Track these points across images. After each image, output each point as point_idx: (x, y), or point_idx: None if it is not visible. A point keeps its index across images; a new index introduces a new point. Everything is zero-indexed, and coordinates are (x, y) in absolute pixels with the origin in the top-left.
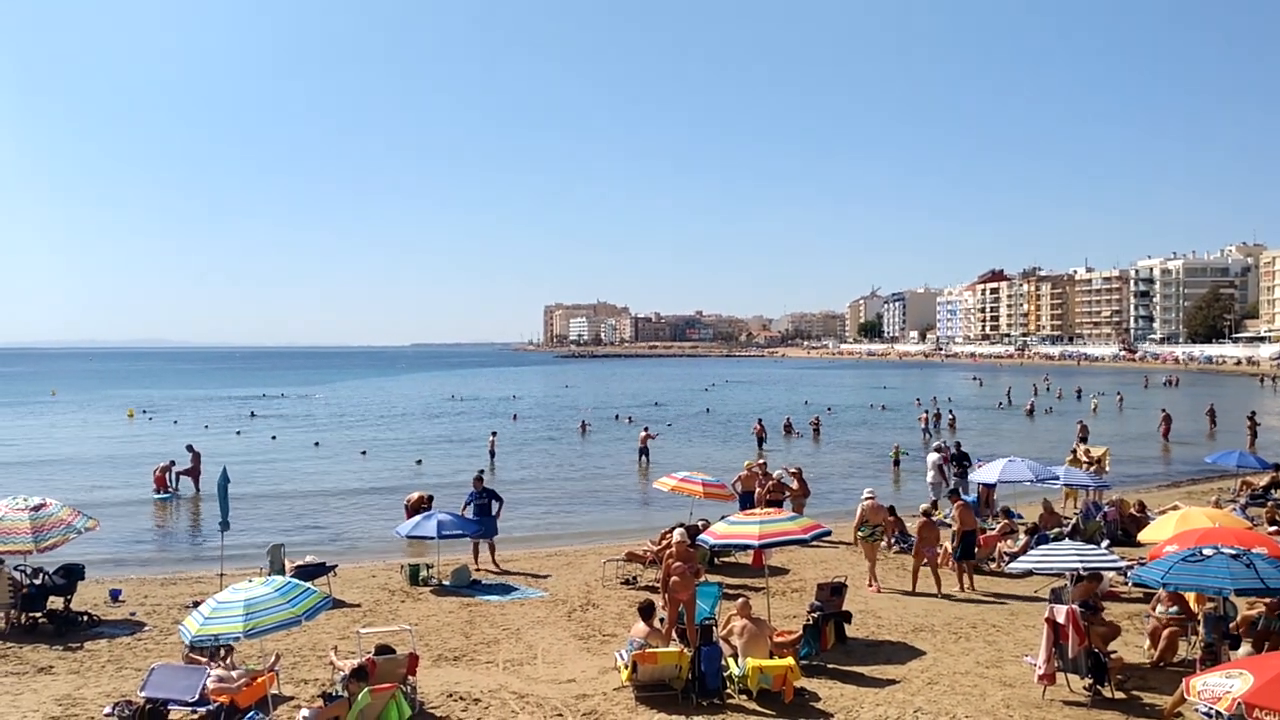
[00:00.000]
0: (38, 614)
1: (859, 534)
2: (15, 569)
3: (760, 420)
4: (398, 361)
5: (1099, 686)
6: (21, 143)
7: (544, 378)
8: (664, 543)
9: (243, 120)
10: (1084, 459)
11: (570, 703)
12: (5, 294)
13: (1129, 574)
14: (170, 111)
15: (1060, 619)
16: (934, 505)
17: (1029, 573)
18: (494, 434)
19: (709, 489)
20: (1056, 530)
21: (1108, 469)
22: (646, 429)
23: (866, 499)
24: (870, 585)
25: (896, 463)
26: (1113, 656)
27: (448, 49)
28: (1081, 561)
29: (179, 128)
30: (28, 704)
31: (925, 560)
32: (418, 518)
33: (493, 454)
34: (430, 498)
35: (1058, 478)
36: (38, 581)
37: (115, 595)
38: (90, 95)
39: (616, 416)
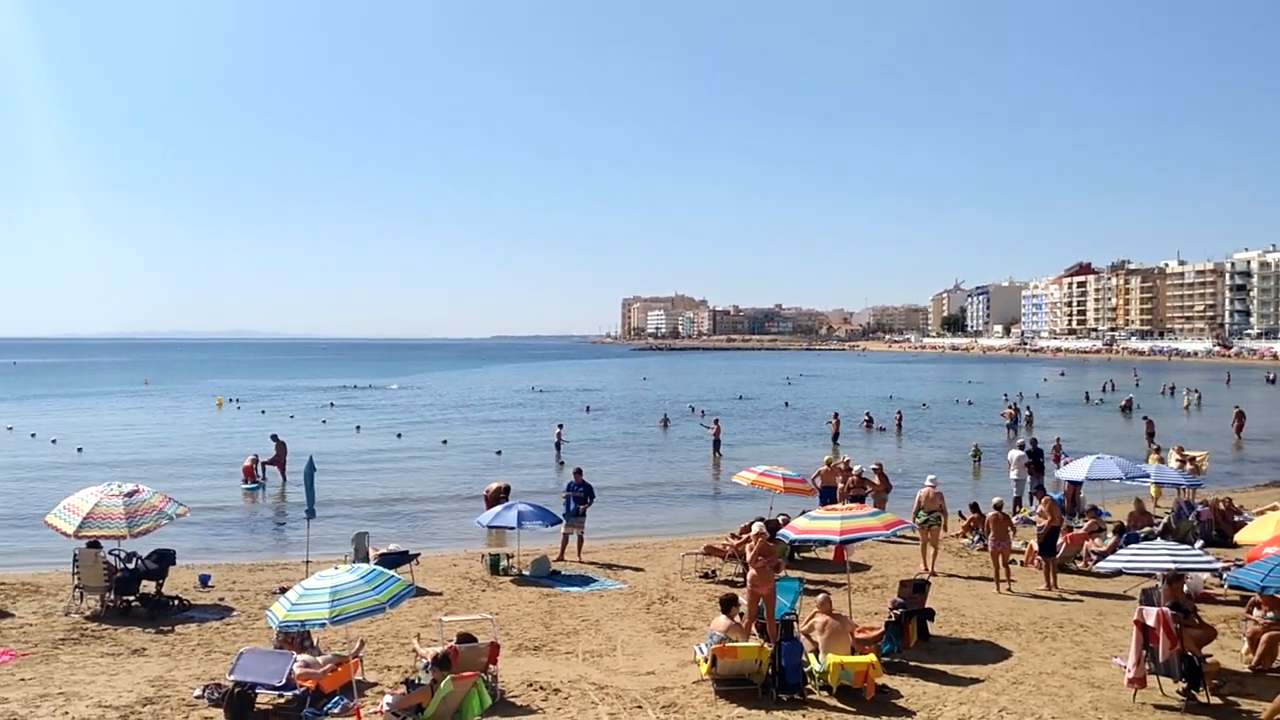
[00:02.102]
0: (131, 597)
1: (917, 519)
2: (110, 553)
3: (836, 415)
4: (479, 353)
5: (1193, 691)
6: (105, 136)
7: (622, 371)
8: (744, 537)
9: (329, 115)
10: (1177, 458)
11: (650, 695)
12: (100, 286)
13: (1225, 576)
14: (261, 108)
15: (1150, 621)
16: (1017, 502)
17: (1118, 572)
18: (560, 426)
19: (789, 483)
20: (1147, 530)
21: (1204, 469)
22: (717, 421)
23: (926, 485)
24: (924, 570)
25: (977, 459)
26: (1208, 660)
27: (519, 36)
28: (1175, 562)
29: (269, 124)
30: (123, 684)
31: (1000, 553)
32: (498, 508)
33: (558, 446)
34: (508, 487)
35: (1148, 475)
36: (131, 566)
37: (205, 580)
38: (181, 92)
39: (692, 409)
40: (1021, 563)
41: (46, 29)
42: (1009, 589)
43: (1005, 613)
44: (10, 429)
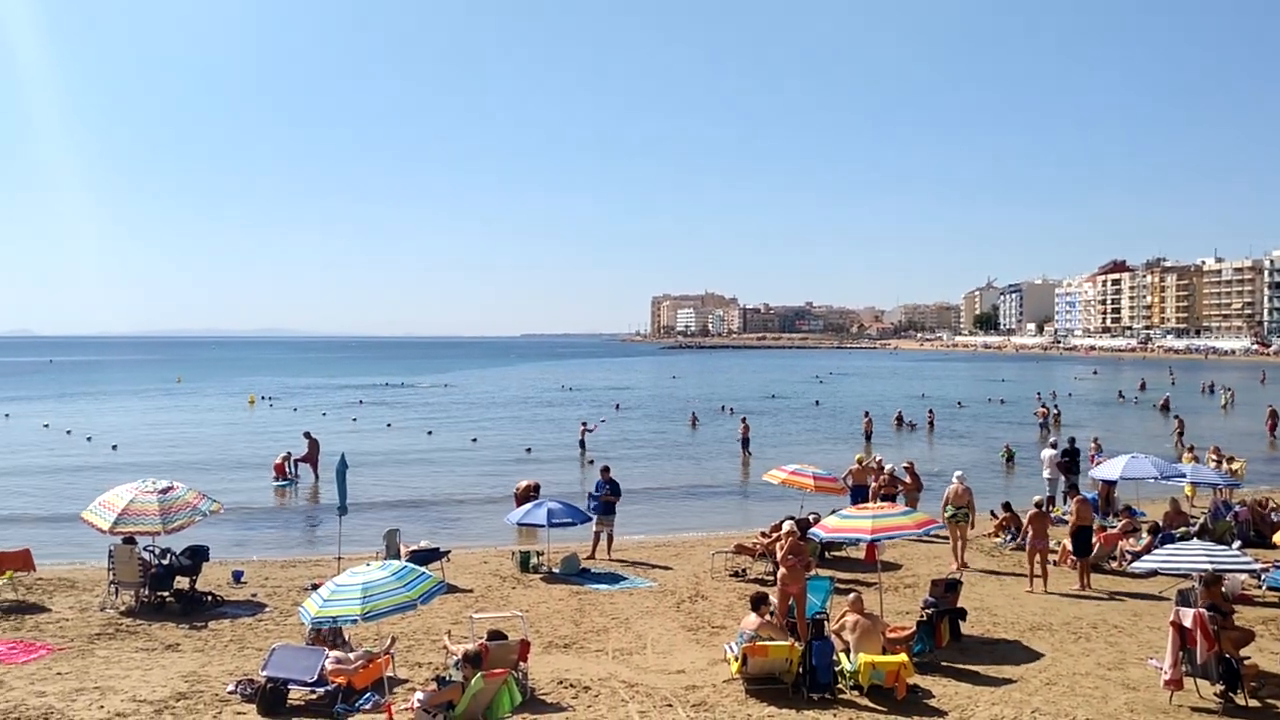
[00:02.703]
0: (165, 593)
1: (945, 514)
2: (144, 549)
3: (868, 414)
4: (509, 351)
5: (1231, 694)
6: (138, 134)
7: (651, 369)
8: (774, 535)
9: (362, 113)
10: (1213, 459)
11: (680, 693)
12: (134, 285)
13: (1264, 577)
14: (295, 105)
15: (1187, 622)
16: (1050, 501)
17: (1154, 573)
18: (584, 424)
19: (820, 482)
20: (1183, 530)
21: (1242, 476)
22: (745, 420)
23: (954, 482)
24: (956, 564)
25: (1009, 459)
26: (1246, 663)
27: (549, 33)
28: (1212, 563)
29: (302, 121)
30: (157, 679)
31: (1038, 552)
32: (528, 505)
33: (583, 444)
34: (538, 485)
35: (1184, 475)
36: (165, 562)
37: (238, 576)
38: (221, 88)
39: (723, 408)
40: (1055, 562)
41: (91, 29)
42: (1043, 590)
43: (1038, 613)
44: (46, 426)
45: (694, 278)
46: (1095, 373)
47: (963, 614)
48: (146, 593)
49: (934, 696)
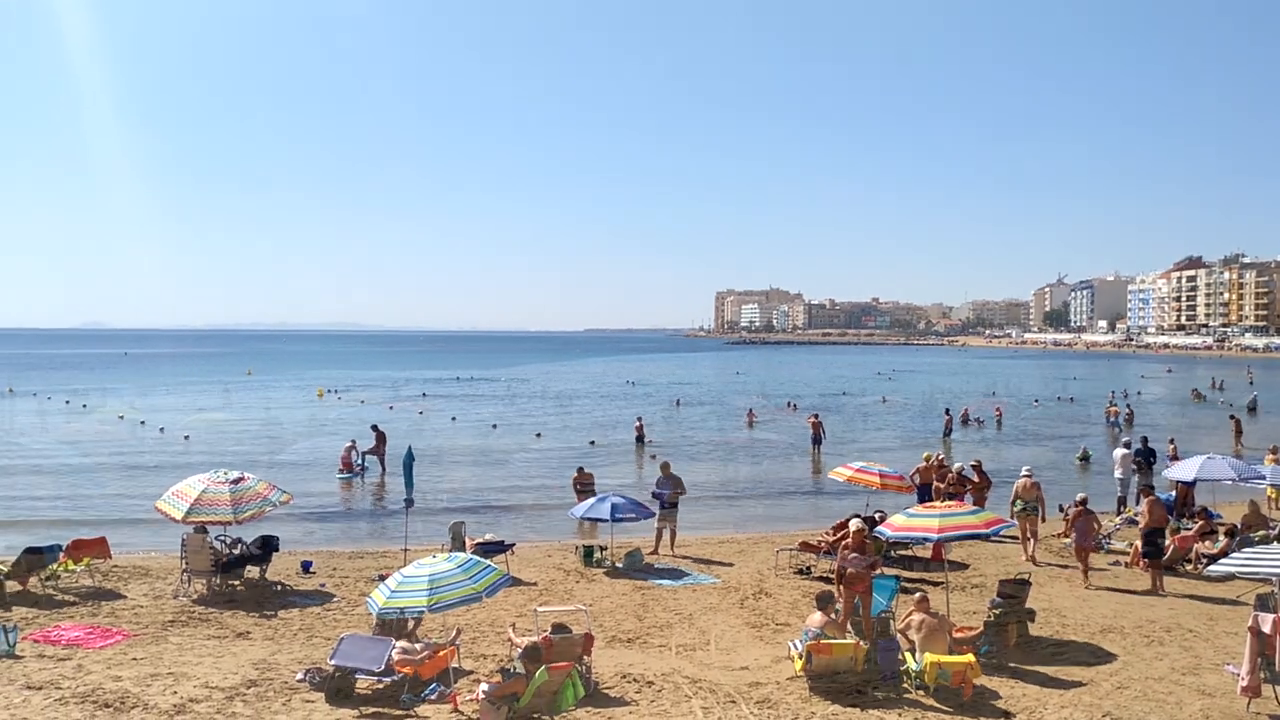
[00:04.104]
0: (236, 582)
1: (1014, 509)
2: (216, 539)
3: (948, 412)
4: (573, 347)
5: None
6: (227, 132)
7: (716, 364)
8: (840, 533)
9: (435, 108)
10: (1272, 459)
11: (743, 690)
12: (207, 277)
13: None
14: (366, 101)
15: (1266, 628)
16: (1121, 502)
17: (1231, 576)
18: (639, 419)
19: (886, 480)
20: (1262, 533)
21: None
22: (816, 416)
23: (1023, 476)
24: (1023, 558)
25: (1085, 461)
26: None
27: (617, 18)
28: None
29: (377, 119)
30: (228, 666)
31: (1084, 550)
32: (591, 500)
33: (640, 439)
34: (590, 474)
35: (1264, 476)
36: (236, 551)
37: (306, 567)
38: (322, 86)
39: (789, 404)
40: (1126, 564)
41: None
42: (1084, 585)
43: (1109, 615)
44: (121, 418)
45: (758, 273)
46: (1169, 371)
47: (1031, 615)
48: (217, 581)
49: (1001, 698)
